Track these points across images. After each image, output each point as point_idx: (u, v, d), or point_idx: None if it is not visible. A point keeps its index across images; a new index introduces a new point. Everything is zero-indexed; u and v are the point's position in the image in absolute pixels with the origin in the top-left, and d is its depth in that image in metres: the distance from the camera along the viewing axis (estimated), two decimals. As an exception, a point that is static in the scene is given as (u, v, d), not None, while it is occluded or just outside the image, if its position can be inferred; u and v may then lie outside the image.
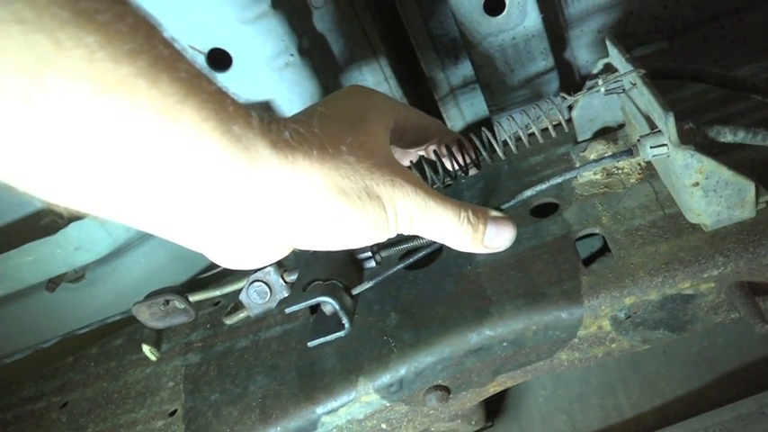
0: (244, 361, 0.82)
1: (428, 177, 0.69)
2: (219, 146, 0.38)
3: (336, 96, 0.56)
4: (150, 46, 0.35)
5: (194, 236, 0.43)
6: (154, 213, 0.40)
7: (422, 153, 0.71)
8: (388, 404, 0.73)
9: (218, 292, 0.81)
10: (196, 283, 0.78)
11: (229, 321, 0.85)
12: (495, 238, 0.57)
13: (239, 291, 0.75)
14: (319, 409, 0.72)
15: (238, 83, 0.84)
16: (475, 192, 0.88)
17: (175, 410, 0.81)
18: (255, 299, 0.74)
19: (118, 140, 0.35)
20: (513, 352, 0.71)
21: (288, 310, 0.66)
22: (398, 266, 0.68)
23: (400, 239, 0.76)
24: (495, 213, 0.58)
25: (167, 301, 0.70)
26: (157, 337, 0.92)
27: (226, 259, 0.47)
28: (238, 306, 0.84)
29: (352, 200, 0.46)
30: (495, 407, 1.13)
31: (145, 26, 0.35)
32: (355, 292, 0.67)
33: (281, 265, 0.74)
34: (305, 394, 0.74)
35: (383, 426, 0.75)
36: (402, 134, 0.62)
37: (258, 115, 0.42)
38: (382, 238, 0.50)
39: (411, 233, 0.52)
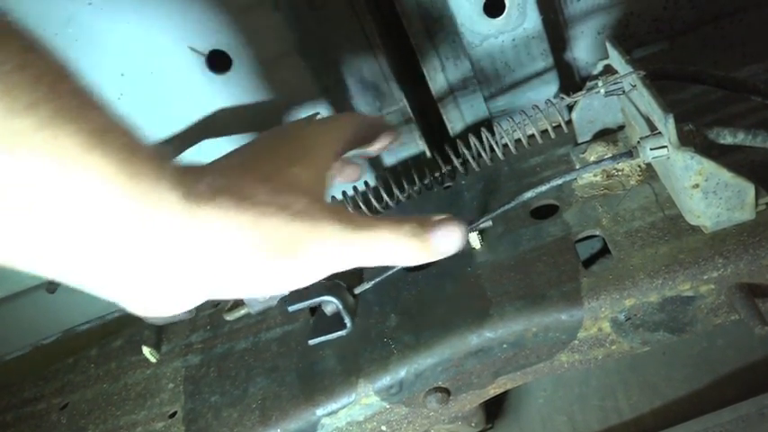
0: (244, 362, 0.82)
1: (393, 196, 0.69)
2: (126, 200, 0.37)
3: (264, 139, 0.54)
4: (55, 96, 0.34)
5: (104, 286, 0.42)
6: (59, 264, 0.39)
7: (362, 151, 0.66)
8: (388, 406, 0.73)
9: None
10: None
11: (230, 317, 0.85)
12: (443, 241, 0.52)
13: None
14: (319, 411, 0.72)
15: (238, 84, 0.84)
16: (475, 193, 0.88)
17: (175, 412, 0.81)
18: (256, 296, 0.74)
19: (18, 190, 0.34)
20: (513, 354, 0.71)
21: (291, 309, 0.66)
22: (398, 266, 0.68)
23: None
24: (438, 217, 0.54)
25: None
26: (157, 339, 0.92)
27: (139, 309, 0.46)
28: (239, 302, 0.84)
29: (269, 254, 0.44)
30: (495, 409, 1.13)
31: (50, 75, 0.34)
32: (357, 291, 0.68)
33: None
34: (305, 396, 0.74)
35: (383, 428, 0.75)
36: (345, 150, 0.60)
37: (172, 166, 0.40)
38: (306, 284, 0.49)
39: (349, 267, 0.50)
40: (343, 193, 0.76)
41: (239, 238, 0.43)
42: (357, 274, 0.73)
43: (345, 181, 0.66)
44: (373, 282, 0.67)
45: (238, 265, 0.44)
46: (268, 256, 0.44)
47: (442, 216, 0.54)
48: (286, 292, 0.48)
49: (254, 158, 0.48)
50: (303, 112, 0.88)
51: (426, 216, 0.54)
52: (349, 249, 0.48)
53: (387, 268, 0.69)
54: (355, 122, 0.60)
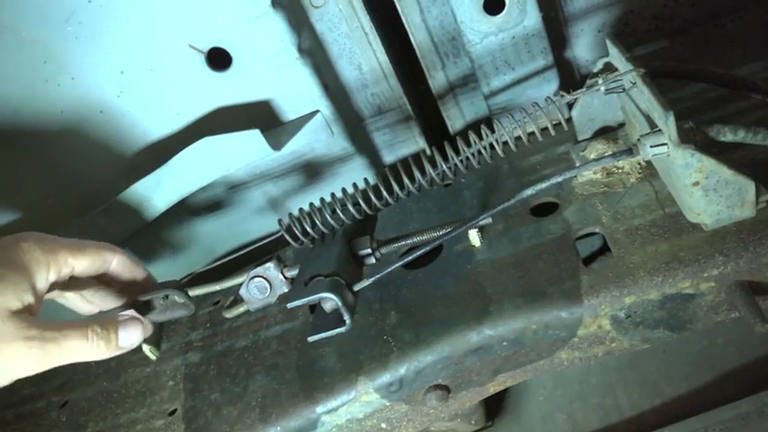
0: (244, 360, 0.82)
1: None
2: None
3: None
4: None
5: None
6: None
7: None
8: (388, 403, 0.73)
9: (217, 287, 0.81)
10: (196, 278, 0.79)
11: (229, 315, 0.85)
12: (128, 338, 0.63)
13: (239, 285, 0.75)
14: (319, 409, 0.72)
15: (238, 82, 0.84)
16: (475, 191, 0.88)
17: (175, 410, 0.81)
18: (255, 294, 0.74)
19: None
20: (514, 351, 0.71)
21: (290, 305, 0.66)
22: (398, 264, 0.68)
23: (399, 237, 0.76)
24: (123, 316, 0.64)
25: (167, 296, 0.70)
26: (157, 337, 0.92)
27: None
28: (238, 300, 0.83)
29: None
30: (494, 406, 1.13)
31: None
32: (356, 288, 0.67)
33: (280, 261, 0.74)
34: (305, 393, 0.74)
35: (383, 425, 0.75)
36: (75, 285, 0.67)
37: None
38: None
39: (44, 369, 0.58)
40: (343, 190, 0.76)
41: None
42: (357, 272, 0.73)
43: (88, 312, 0.71)
44: (373, 279, 0.67)
45: None
46: None
47: (126, 315, 0.64)
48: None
49: None
50: (302, 108, 0.88)
51: (110, 316, 0.64)
52: (45, 359, 0.57)
53: (386, 265, 0.69)
54: (105, 257, 0.66)
